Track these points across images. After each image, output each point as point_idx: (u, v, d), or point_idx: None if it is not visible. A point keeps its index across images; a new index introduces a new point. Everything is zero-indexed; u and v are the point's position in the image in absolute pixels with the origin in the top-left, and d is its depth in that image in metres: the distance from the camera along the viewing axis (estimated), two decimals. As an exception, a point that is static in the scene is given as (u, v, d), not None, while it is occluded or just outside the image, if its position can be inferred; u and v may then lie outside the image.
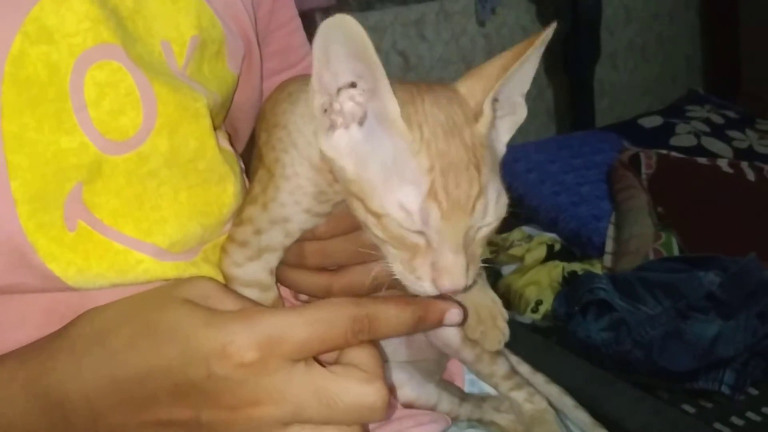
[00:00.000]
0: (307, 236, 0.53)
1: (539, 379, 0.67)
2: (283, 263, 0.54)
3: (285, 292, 0.57)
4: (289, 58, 0.68)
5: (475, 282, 0.47)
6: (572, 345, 1.40)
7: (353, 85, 0.45)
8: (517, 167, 2.03)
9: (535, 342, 1.37)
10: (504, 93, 0.48)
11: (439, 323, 0.48)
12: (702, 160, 2.00)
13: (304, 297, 0.57)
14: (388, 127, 0.45)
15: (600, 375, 1.22)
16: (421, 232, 0.45)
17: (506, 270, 1.76)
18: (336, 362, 0.44)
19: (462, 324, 0.53)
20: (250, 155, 0.61)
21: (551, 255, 1.80)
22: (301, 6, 0.69)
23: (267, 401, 0.42)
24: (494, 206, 0.46)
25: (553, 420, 0.62)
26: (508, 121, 0.50)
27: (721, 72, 2.84)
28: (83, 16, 0.45)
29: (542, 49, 0.47)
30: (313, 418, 0.42)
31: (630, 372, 1.33)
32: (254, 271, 0.52)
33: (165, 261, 0.49)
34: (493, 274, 1.69)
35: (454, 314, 0.48)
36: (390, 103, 0.44)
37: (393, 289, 0.49)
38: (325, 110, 0.46)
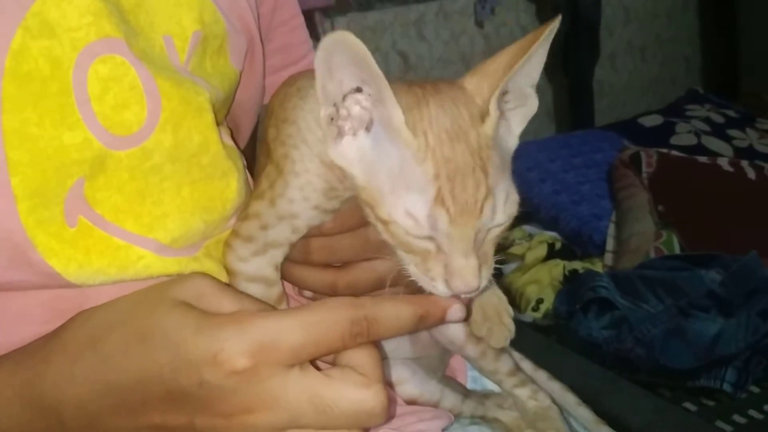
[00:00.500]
0: (313, 232, 0.52)
1: (542, 376, 0.67)
2: (287, 259, 0.53)
3: (288, 288, 0.56)
4: (291, 55, 0.68)
5: (490, 282, 0.47)
6: (573, 343, 1.39)
7: (359, 90, 0.45)
8: (517, 166, 2.02)
9: (536, 340, 1.36)
10: (514, 85, 0.48)
11: (441, 321, 0.48)
12: (702, 158, 2.00)
13: (308, 294, 0.57)
14: (394, 135, 0.44)
15: (601, 373, 1.21)
16: (430, 238, 0.44)
17: (507, 269, 1.76)
18: (334, 363, 0.44)
19: (465, 320, 0.53)
20: (252, 152, 0.61)
21: (552, 253, 1.80)
22: (300, 5, 0.69)
23: (261, 408, 0.41)
24: (503, 206, 0.46)
25: (557, 417, 0.62)
26: (520, 113, 0.50)
27: (720, 72, 2.84)
28: (85, 10, 0.45)
29: (550, 40, 0.46)
30: (309, 425, 0.41)
31: (631, 370, 1.33)
32: (259, 267, 0.52)
33: (166, 257, 0.49)
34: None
35: (456, 311, 0.47)
36: (394, 110, 0.44)
37: (397, 286, 0.49)
38: (332, 119, 0.45)
